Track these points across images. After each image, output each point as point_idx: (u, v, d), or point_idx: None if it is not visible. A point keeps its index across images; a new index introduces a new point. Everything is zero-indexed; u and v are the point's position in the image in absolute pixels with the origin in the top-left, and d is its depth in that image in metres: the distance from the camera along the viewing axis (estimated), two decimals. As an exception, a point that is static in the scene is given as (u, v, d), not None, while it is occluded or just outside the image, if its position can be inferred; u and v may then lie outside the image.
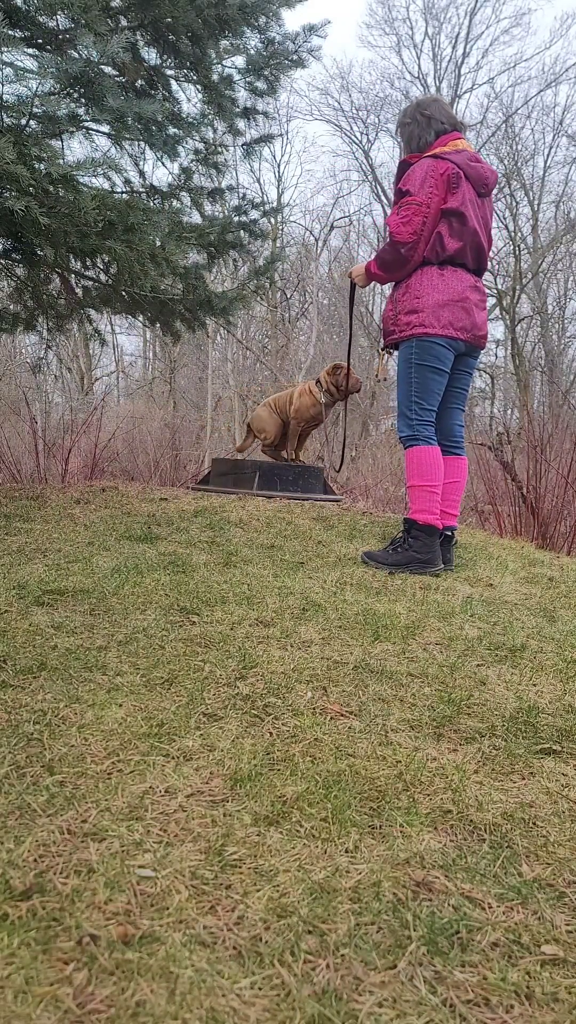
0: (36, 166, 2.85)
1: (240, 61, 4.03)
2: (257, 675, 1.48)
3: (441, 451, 2.71)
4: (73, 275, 4.19)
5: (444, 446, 2.76)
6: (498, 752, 1.22)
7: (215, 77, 4.02)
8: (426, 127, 2.69)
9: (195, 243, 3.82)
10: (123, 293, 4.11)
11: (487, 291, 2.75)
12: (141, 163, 4.20)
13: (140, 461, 7.14)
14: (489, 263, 2.95)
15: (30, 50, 3.42)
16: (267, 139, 4.72)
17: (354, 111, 19.96)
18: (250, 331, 18.85)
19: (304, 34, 3.94)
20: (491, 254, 2.93)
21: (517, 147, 18.73)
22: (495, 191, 2.85)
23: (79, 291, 4.30)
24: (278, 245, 16.26)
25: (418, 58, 20.26)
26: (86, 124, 3.48)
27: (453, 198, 2.53)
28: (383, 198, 20.93)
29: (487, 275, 20.07)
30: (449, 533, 2.69)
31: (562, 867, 0.92)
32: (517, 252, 18.86)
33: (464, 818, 1.02)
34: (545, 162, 19.07)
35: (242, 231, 4.26)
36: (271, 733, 1.24)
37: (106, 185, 4.06)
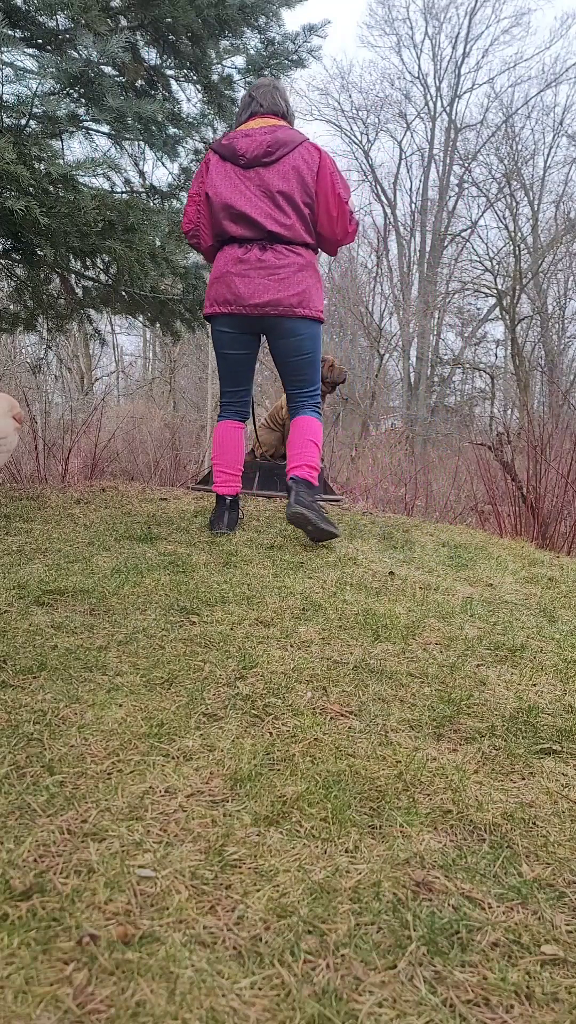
0: (36, 166, 2.85)
1: (240, 61, 4.03)
2: (257, 675, 1.48)
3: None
4: (73, 275, 4.19)
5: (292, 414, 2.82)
6: (498, 752, 1.22)
7: (215, 77, 4.02)
8: (244, 108, 2.76)
9: (195, 243, 3.81)
10: (123, 293, 4.11)
11: (294, 255, 2.60)
12: (141, 163, 4.21)
13: (140, 461, 7.14)
14: (291, 221, 2.58)
15: (30, 50, 3.42)
16: (267, 139, 4.72)
17: (354, 111, 20.02)
18: (250, 331, 18.79)
19: (304, 34, 3.94)
20: (355, 228, 2.81)
21: (517, 147, 18.75)
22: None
23: (79, 291, 4.30)
24: (278, 245, 16.22)
25: (418, 58, 20.30)
26: (86, 124, 3.48)
27: (205, 184, 2.65)
28: (383, 198, 20.91)
29: (487, 275, 20.07)
30: (292, 482, 2.66)
31: (562, 867, 0.92)
32: (517, 252, 18.86)
33: (464, 818, 1.02)
34: (545, 162, 19.09)
35: (242, 231, 4.25)
36: (271, 733, 1.24)
37: (106, 185, 4.06)
